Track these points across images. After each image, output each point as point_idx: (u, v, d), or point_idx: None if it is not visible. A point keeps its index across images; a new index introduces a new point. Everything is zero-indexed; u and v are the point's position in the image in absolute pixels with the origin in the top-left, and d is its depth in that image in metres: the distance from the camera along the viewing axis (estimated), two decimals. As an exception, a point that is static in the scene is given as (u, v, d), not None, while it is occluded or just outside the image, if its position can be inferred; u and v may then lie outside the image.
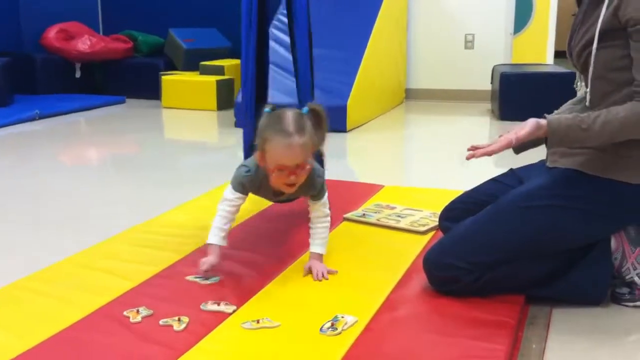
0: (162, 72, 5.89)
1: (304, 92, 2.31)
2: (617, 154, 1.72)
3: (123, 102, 6.00)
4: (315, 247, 1.96)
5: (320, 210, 1.97)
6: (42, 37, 6.05)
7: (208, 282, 1.87)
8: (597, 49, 1.71)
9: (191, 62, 6.01)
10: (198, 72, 5.87)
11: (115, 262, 2.04)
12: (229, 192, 1.92)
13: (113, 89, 6.16)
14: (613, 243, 1.82)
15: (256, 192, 1.99)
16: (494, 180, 2.11)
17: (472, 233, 1.80)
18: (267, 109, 1.84)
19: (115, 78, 6.25)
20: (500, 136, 2.04)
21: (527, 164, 2.09)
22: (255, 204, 2.53)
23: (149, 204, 2.76)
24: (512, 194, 1.83)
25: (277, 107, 1.86)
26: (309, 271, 1.92)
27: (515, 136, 1.70)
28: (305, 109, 1.85)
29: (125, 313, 1.67)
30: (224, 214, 1.91)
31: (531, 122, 1.70)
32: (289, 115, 1.80)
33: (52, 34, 6.04)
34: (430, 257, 1.82)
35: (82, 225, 2.56)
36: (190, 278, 1.89)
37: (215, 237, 1.90)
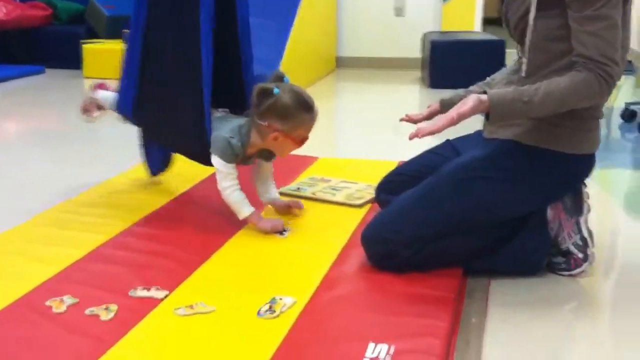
0: (83, 41, 5.63)
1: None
2: (551, 123, 1.71)
3: (42, 72, 5.71)
4: (277, 194, 2.21)
5: (270, 168, 2.19)
6: (-49, 4, 5.68)
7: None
8: (535, 18, 1.68)
9: (114, 30, 5.75)
10: (121, 40, 5.63)
11: (35, 245, 1.92)
12: (226, 167, 2.00)
13: (31, 58, 5.84)
14: (549, 213, 1.82)
15: (237, 160, 2.04)
16: (430, 151, 2.09)
17: (409, 206, 1.77)
18: (276, 89, 1.97)
19: (34, 47, 5.92)
20: (429, 106, 2.02)
21: (463, 134, 2.07)
22: (179, 185, 2.44)
23: (70, 182, 2.62)
24: (449, 167, 1.81)
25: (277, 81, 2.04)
26: (288, 208, 2.16)
27: (456, 113, 1.65)
28: (276, 90, 1.98)
29: (47, 302, 1.57)
30: (236, 187, 2.02)
31: (473, 99, 1.65)
32: (303, 91, 2.05)
33: (-38, 1, 5.68)
34: (367, 232, 1.78)
35: (4, 204, 2.41)
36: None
37: (248, 206, 2.02)
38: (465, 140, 2.03)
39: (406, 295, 1.61)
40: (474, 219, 1.75)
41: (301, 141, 2.03)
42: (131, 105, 2.18)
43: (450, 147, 2.03)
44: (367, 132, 3.70)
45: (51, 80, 5.49)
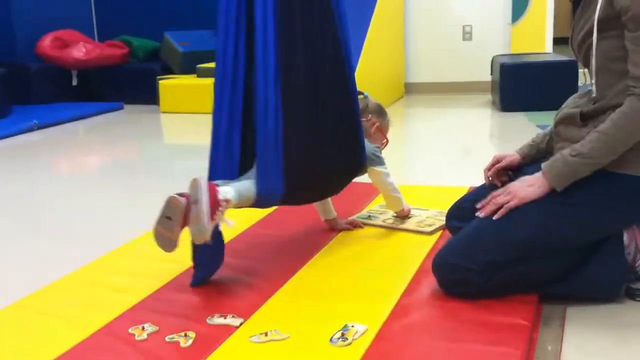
0: (159, 77, 5.85)
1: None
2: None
3: (121, 108, 5.97)
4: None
5: None
6: (36, 46, 6.01)
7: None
8: (597, 39, 1.67)
9: (188, 65, 5.97)
10: (195, 75, 5.82)
11: (118, 276, 2.00)
12: (386, 168, 2.25)
13: (110, 95, 6.13)
14: (626, 237, 1.78)
15: None
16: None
17: (481, 232, 1.76)
18: (365, 93, 2.33)
19: (112, 84, 6.21)
20: (502, 158, 2.01)
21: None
22: (255, 212, 2.48)
23: (152, 213, 2.72)
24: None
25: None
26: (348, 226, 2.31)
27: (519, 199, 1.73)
28: (366, 94, 2.35)
29: (130, 330, 1.63)
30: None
31: (536, 187, 1.73)
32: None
33: (46, 42, 6.00)
34: (439, 259, 1.78)
35: (83, 238, 2.52)
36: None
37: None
38: (537, 166, 2.01)
39: (480, 322, 1.60)
40: (549, 245, 1.72)
41: (387, 141, 2.39)
42: (281, 177, 1.84)
43: (521, 174, 2.01)
44: (438, 158, 3.69)
45: (130, 115, 5.72)
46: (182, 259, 2.08)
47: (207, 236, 1.70)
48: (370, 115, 2.34)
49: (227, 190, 1.78)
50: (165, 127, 5.34)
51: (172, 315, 1.72)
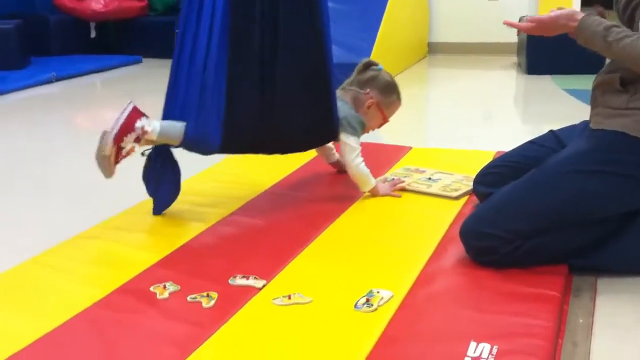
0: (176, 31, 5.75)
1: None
2: None
3: (140, 61, 5.89)
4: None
5: None
6: (55, -3, 5.93)
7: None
8: None
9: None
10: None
11: (137, 234, 1.98)
12: (357, 143, 2.13)
13: (128, 48, 6.03)
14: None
15: None
16: (532, 142, 2.02)
17: (512, 199, 1.71)
18: (380, 66, 2.27)
19: (131, 37, 6.12)
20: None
21: (566, 125, 1.99)
22: (274, 171, 2.44)
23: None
24: (555, 159, 1.74)
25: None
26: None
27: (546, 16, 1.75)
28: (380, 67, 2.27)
29: (151, 289, 1.61)
30: (363, 161, 2.13)
31: (567, 11, 1.72)
32: (395, 82, 2.29)
33: (65, -7, 5.91)
34: (466, 226, 1.73)
35: (98, 195, 2.48)
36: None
37: (373, 178, 2.16)
38: (569, 131, 1.95)
39: (508, 293, 1.56)
40: (579, 214, 1.67)
41: (384, 120, 2.27)
42: (220, 123, 1.90)
43: (553, 138, 1.96)
44: (460, 121, 3.61)
45: (148, 69, 5.65)
46: (201, 217, 2.05)
47: (104, 152, 1.88)
48: (369, 90, 2.21)
49: (149, 123, 1.93)
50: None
51: (193, 274, 1.69)
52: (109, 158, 1.90)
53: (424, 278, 1.65)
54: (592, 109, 1.80)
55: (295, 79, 1.96)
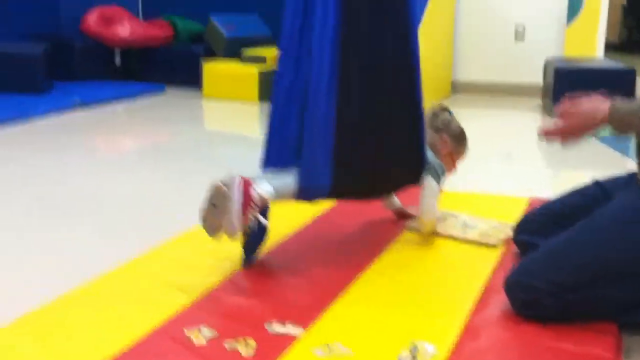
0: (203, 58, 5.75)
1: None
2: None
3: (163, 90, 5.90)
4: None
5: None
6: (82, 22, 5.96)
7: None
8: None
9: (232, 50, 5.87)
10: (239, 61, 5.74)
11: (170, 272, 1.92)
12: (438, 188, 2.09)
13: (152, 76, 6.05)
14: None
15: None
16: (576, 191, 1.97)
17: (561, 252, 1.66)
18: (452, 112, 2.23)
19: (155, 66, 6.14)
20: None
21: (609, 175, 1.94)
22: (300, 217, 2.38)
23: (194, 202, 2.64)
24: (605, 210, 1.69)
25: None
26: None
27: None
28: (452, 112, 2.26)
29: (186, 332, 1.56)
30: None
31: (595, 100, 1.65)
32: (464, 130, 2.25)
33: (92, 19, 5.94)
34: (513, 277, 1.68)
35: (128, 227, 2.44)
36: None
37: None
38: (615, 182, 1.90)
39: (557, 350, 1.50)
40: (630, 266, 1.61)
41: (455, 167, 2.24)
42: (329, 172, 1.79)
43: (599, 189, 1.91)
44: (487, 163, 3.57)
45: (172, 98, 5.66)
46: (235, 255, 2.00)
47: (236, 233, 1.75)
48: (446, 135, 2.20)
49: (262, 188, 1.78)
50: (207, 113, 5.28)
51: (228, 317, 1.65)
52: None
53: (468, 332, 1.59)
54: (639, 160, 1.76)
55: (396, 113, 1.91)
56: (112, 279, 1.88)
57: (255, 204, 1.75)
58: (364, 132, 1.84)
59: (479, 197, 2.71)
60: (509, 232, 2.12)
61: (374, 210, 2.37)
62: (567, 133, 1.71)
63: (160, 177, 3.25)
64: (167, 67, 6.10)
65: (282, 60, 1.86)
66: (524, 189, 2.56)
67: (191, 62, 5.89)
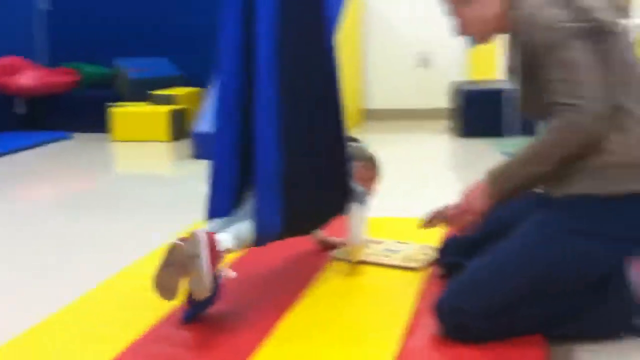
0: (109, 104, 5.62)
1: None
2: (598, 167, 1.64)
3: (70, 137, 5.72)
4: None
5: None
6: (-20, 73, 5.72)
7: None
8: None
9: (139, 93, 5.77)
10: (148, 103, 5.64)
11: (87, 327, 1.82)
12: (362, 211, 2.09)
13: (59, 124, 5.85)
14: (632, 273, 1.70)
15: None
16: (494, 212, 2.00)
17: (484, 274, 1.67)
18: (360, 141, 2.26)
19: (61, 113, 5.95)
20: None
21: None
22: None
23: (105, 250, 2.55)
24: (525, 230, 1.71)
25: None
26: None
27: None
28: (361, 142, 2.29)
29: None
30: None
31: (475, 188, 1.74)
32: None
33: (-9, 69, 5.72)
34: (441, 301, 1.68)
35: (39, 283, 2.32)
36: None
37: None
38: (527, 201, 1.93)
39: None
40: (561, 280, 1.64)
41: (372, 191, 2.22)
42: (279, 216, 1.76)
43: (515, 206, 1.94)
44: (403, 187, 3.61)
45: (80, 144, 5.50)
46: (156, 305, 1.91)
47: (207, 291, 1.64)
48: (358, 162, 2.17)
49: (226, 240, 1.72)
50: (118, 156, 5.14)
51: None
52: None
53: (401, 358, 1.57)
54: (551, 185, 1.78)
55: (330, 148, 1.91)
56: (32, 334, 1.77)
57: (222, 258, 1.70)
58: (307, 173, 1.84)
59: (399, 221, 2.72)
60: (431, 254, 2.13)
61: (297, 243, 2.33)
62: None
63: (73, 225, 3.12)
64: (74, 114, 5.93)
65: (219, 114, 1.84)
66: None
67: (98, 107, 5.74)
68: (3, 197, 3.93)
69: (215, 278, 1.68)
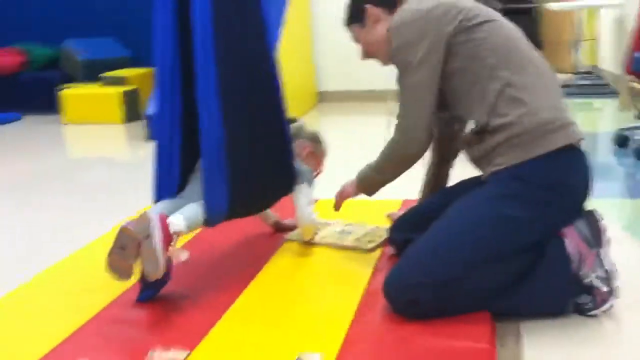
0: (58, 87, 5.53)
1: None
2: (512, 138, 1.73)
3: (19, 119, 5.61)
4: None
5: None
6: None
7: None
8: None
9: (89, 74, 5.68)
10: (99, 84, 5.56)
11: (37, 310, 1.82)
12: (311, 194, 2.17)
13: (6, 106, 5.73)
14: (569, 246, 1.77)
15: None
16: (443, 191, 2.07)
17: (428, 246, 1.73)
18: (301, 120, 2.28)
19: (9, 94, 5.82)
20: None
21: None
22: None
23: (57, 232, 2.53)
24: (464, 201, 1.79)
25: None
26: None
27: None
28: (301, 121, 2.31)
29: (62, 371, 1.48)
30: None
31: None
32: None
33: None
34: (391, 280, 1.73)
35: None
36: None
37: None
38: (473, 181, 2.00)
39: (438, 350, 1.54)
40: (494, 247, 1.69)
41: (319, 168, 2.30)
42: (226, 196, 1.80)
43: (461, 187, 1.99)
44: (355, 167, 3.63)
45: (29, 127, 5.40)
46: (106, 286, 1.91)
47: (160, 272, 1.66)
48: (301, 140, 2.24)
49: (177, 221, 1.75)
50: (69, 139, 5.07)
51: (110, 348, 1.58)
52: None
53: (352, 338, 1.61)
54: (481, 168, 1.86)
55: (271, 131, 1.95)
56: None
57: (174, 240, 1.72)
58: (249, 150, 1.86)
59: (353, 203, 2.75)
60: (385, 235, 2.18)
61: (250, 225, 2.36)
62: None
63: (24, 208, 3.08)
64: (22, 96, 5.81)
65: (158, 95, 1.85)
66: (396, 192, 2.63)
67: (47, 88, 5.64)
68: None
69: (169, 259, 1.70)
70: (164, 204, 1.86)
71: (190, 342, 1.59)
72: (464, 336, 1.58)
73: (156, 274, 1.67)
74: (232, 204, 1.82)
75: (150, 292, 1.83)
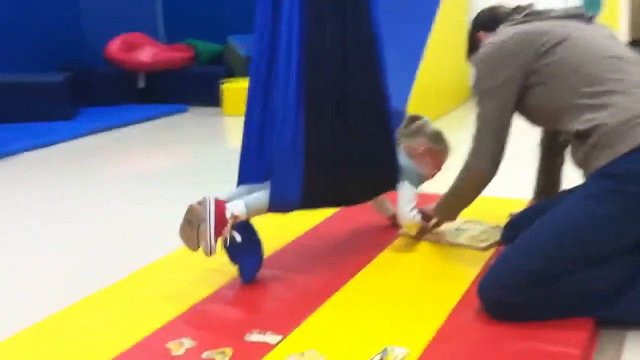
0: (221, 81, 5.87)
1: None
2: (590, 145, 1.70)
3: (185, 110, 6.03)
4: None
5: None
6: (105, 50, 6.13)
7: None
8: None
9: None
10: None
11: (157, 289, 1.97)
12: (414, 193, 2.17)
13: (175, 98, 6.19)
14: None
15: None
16: (564, 191, 2.03)
17: (523, 245, 1.69)
18: (426, 118, 2.30)
19: (177, 87, 6.28)
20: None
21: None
22: (302, 222, 2.42)
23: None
24: (565, 202, 1.73)
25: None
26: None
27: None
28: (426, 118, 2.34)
29: (168, 345, 1.61)
30: None
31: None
32: (441, 131, 2.37)
33: (115, 45, 6.12)
34: (484, 279, 1.71)
35: (129, 246, 2.52)
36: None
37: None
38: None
39: (528, 351, 1.51)
40: (588, 246, 1.63)
41: (437, 168, 2.28)
42: (300, 180, 1.86)
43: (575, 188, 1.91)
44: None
45: (194, 118, 5.79)
46: (223, 270, 2.05)
47: (213, 253, 1.81)
48: (420, 137, 2.25)
49: (235, 206, 1.86)
50: (228, 130, 5.37)
51: (211, 329, 1.70)
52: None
53: (442, 334, 1.61)
54: (584, 172, 1.78)
55: (364, 127, 1.97)
56: (99, 299, 1.94)
57: (229, 224, 1.83)
58: (333, 153, 1.91)
59: (478, 200, 2.69)
60: (499, 234, 2.13)
61: (368, 217, 2.40)
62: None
63: (185, 195, 3.32)
64: (189, 89, 6.24)
65: (251, 88, 1.95)
66: (523, 190, 2.55)
67: (212, 82, 6.01)
68: (132, 161, 4.23)
69: (226, 241, 1.84)
70: (242, 188, 1.97)
71: (286, 329, 1.66)
72: (555, 340, 1.53)
73: (208, 253, 1.80)
74: (307, 195, 1.87)
75: (248, 275, 1.93)
